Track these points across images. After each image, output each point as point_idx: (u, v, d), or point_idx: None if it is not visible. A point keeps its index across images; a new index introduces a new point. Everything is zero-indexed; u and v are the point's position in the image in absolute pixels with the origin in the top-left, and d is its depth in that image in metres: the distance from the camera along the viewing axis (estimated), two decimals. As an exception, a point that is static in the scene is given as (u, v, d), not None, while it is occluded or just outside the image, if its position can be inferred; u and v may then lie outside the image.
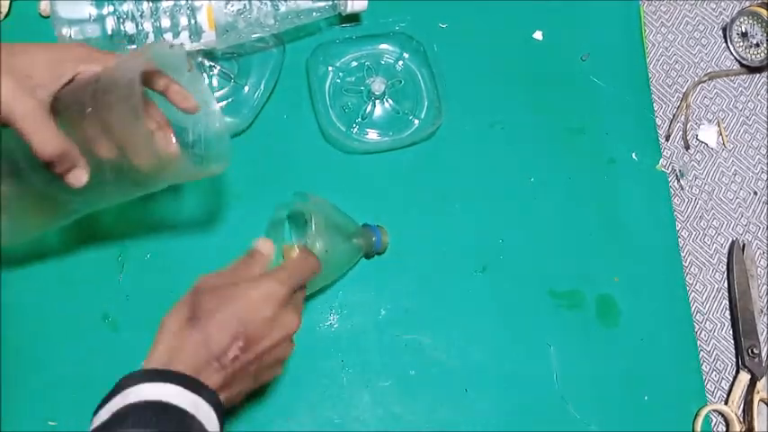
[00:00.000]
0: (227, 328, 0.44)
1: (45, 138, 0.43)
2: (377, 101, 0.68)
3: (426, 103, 0.69)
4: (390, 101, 0.69)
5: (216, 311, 0.44)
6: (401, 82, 0.69)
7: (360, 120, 0.68)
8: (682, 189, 0.71)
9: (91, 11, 0.58)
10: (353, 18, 0.69)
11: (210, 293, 0.45)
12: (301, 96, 0.68)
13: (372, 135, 0.68)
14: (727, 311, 0.68)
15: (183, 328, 0.44)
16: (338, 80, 0.69)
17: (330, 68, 0.69)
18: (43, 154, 0.43)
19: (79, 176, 0.46)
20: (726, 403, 0.64)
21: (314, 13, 0.66)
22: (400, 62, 0.70)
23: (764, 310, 0.67)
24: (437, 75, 0.68)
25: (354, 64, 0.70)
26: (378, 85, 0.67)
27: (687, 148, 0.72)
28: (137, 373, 0.42)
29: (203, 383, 0.42)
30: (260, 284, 0.46)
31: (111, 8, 0.59)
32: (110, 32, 0.59)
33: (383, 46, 0.70)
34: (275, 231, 0.60)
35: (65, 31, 0.58)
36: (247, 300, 0.45)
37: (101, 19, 0.59)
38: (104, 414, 0.40)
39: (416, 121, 0.68)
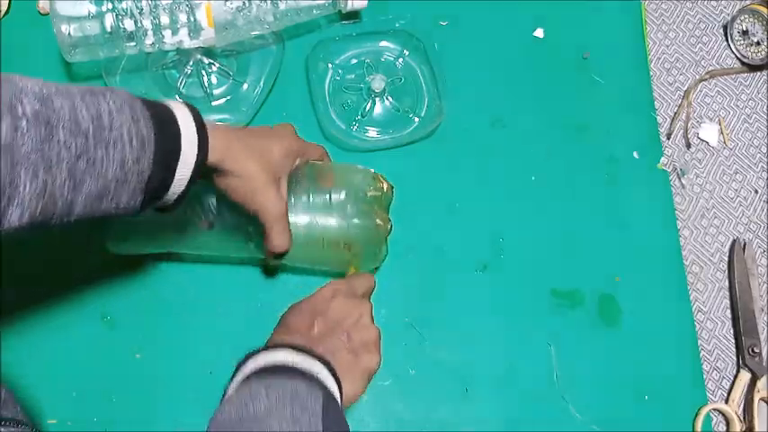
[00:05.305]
0: (306, 315, 0.53)
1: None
2: (377, 98, 0.68)
3: (427, 101, 0.69)
4: (390, 99, 0.68)
5: (295, 309, 0.54)
6: (401, 79, 0.69)
7: (360, 117, 0.68)
8: (683, 188, 0.71)
9: (90, 8, 0.58)
10: (353, 15, 0.69)
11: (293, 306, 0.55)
12: (301, 94, 0.68)
13: (372, 133, 0.67)
14: (728, 310, 0.68)
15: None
16: (338, 78, 0.69)
17: (330, 66, 0.69)
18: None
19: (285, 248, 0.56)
20: (726, 402, 0.64)
21: (314, 11, 0.65)
22: (400, 60, 0.70)
23: (765, 308, 0.67)
24: (437, 72, 0.68)
25: (354, 61, 0.69)
26: (378, 83, 0.67)
27: (688, 146, 0.72)
28: (247, 355, 0.48)
29: (307, 347, 0.48)
30: (325, 285, 0.55)
31: (110, 5, 0.59)
32: (109, 30, 0.59)
33: (383, 43, 0.70)
34: None
35: (64, 28, 0.58)
36: (318, 295, 0.54)
37: (100, 16, 0.58)
38: (232, 388, 0.46)
39: (417, 119, 0.68)
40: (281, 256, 0.56)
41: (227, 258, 0.62)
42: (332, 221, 0.58)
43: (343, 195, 0.58)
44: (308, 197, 0.58)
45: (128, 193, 0.43)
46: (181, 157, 0.45)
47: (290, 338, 0.50)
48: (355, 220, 0.58)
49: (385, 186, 0.60)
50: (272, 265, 0.63)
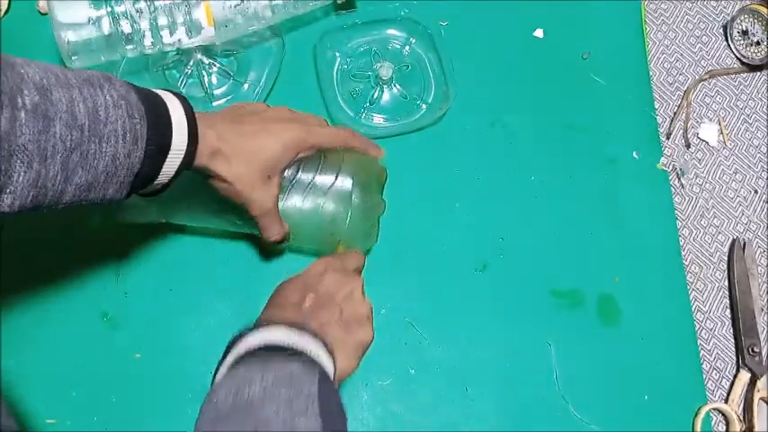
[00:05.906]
0: (297, 289, 0.53)
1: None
2: (384, 86, 0.69)
3: (434, 88, 0.69)
4: (398, 86, 0.69)
5: (285, 285, 0.54)
6: (408, 67, 0.70)
7: (368, 105, 0.68)
8: (682, 187, 0.71)
9: (90, 13, 0.58)
10: (349, 5, 0.69)
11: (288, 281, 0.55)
12: (305, 89, 0.68)
13: (380, 120, 0.68)
14: (728, 310, 0.68)
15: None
16: (346, 66, 0.69)
17: (338, 54, 0.70)
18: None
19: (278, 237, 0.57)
20: (726, 402, 0.64)
21: (309, 3, 0.66)
22: (407, 47, 0.70)
23: (765, 308, 0.67)
24: (444, 59, 0.68)
25: (362, 49, 0.70)
26: (385, 71, 0.68)
27: (688, 146, 0.72)
28: (238, 335, 0.47)
29: (300, 322, 0.48)
30: (317, 261, 0.56)
31: (109, 9, 0.58)
32: (107, 34, 0.59)
33: (390, 31, 0.71)
34: None
35: (63, 35, 0.58)
36: (309, 270, 0.55)
37: (98, 20, 0.58)
38: (223, 369, 0.45)
39: (424, 106, 0.69)
40: (279, 242, 0.57)
41: (226, 232, 0.62)
42: (325, 201, 0.57)
43: (336, 176, 0.58)
44: (298, 177, 0.57)
45: (115, 185, 0.44)
46: (169, 154, 0.46)
47: (282, 314, 0.50)
48: (350, 199, 0.57)
49: (379, 168, 0.60)
50: (272, 249, 0.63)
